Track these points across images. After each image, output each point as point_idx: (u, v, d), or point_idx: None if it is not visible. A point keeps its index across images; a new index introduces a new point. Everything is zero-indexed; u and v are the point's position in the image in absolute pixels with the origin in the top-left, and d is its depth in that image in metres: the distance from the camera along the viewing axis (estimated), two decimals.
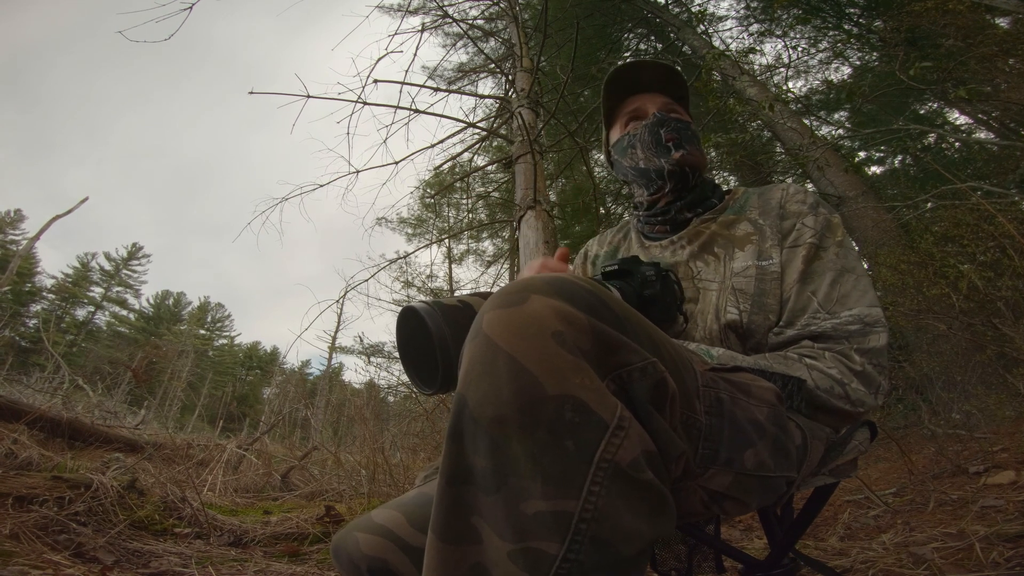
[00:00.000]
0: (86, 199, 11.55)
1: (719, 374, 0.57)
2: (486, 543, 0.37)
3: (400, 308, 0.50)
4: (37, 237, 11.65)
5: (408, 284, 9.42)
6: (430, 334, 0.46)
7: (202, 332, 45.40)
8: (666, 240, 0.94)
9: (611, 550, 0.36)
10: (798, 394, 0.67)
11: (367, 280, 5.44)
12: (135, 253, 43.58)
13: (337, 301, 5.33)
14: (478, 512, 0.37)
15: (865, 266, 0.79)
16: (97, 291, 40.93)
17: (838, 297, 0.74)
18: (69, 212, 10.85)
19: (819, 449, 0.66)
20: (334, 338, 15.33)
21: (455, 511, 0.38)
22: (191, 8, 3.81)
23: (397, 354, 0.54)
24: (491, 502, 0.37)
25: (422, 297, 9.55)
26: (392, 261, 6.67)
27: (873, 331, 0.71)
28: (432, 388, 0.49)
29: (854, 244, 0.81)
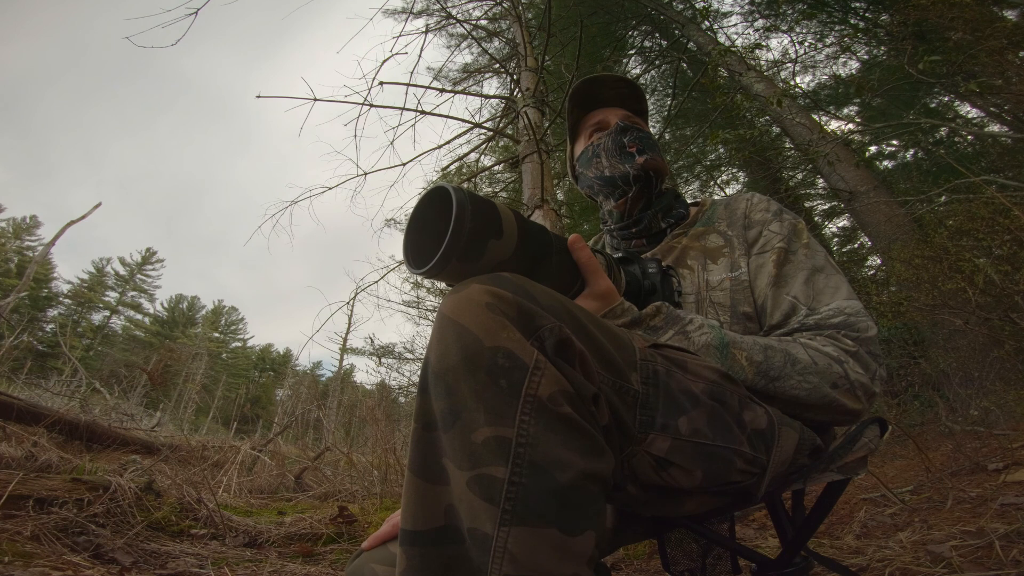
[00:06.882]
0: (99, 204, 11.70)
1: (659, 351, 0.62)
2: (452, 482, 0.44)
3: (431, 186, 0.56)
4: (53, 242, 11.87)
5: (418, 285, 9.46)
6: (451, 208, 0.51)
7: (216, 335, 45.96)
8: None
9: (549, 475, 0.43)
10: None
11: (377, 282, 5.48)
12: (149, 258, 44.20)
13: (348, 303, 5.37)
14: (444, 453, 0.45)
15: (834, 262, 0.82)
16: (112, 296, 41.61)
17: (814, 294, 0.78)
18: (83, 217, 11.05)
19: (791, 436, 0.67)
20: (345, 340, 15.41)
21: (429, 452, 0.47)
22: (196, 13, 3.86)
23: (404, 229, 0.58)
24: (449, 437, 0.45)
25: (431, 298, 9.59)
26: (401, 262, 6.69)
27: (859, 321, 0.74)
28: (421, 266, 0.54)
29: (820, 245, 0.84)
